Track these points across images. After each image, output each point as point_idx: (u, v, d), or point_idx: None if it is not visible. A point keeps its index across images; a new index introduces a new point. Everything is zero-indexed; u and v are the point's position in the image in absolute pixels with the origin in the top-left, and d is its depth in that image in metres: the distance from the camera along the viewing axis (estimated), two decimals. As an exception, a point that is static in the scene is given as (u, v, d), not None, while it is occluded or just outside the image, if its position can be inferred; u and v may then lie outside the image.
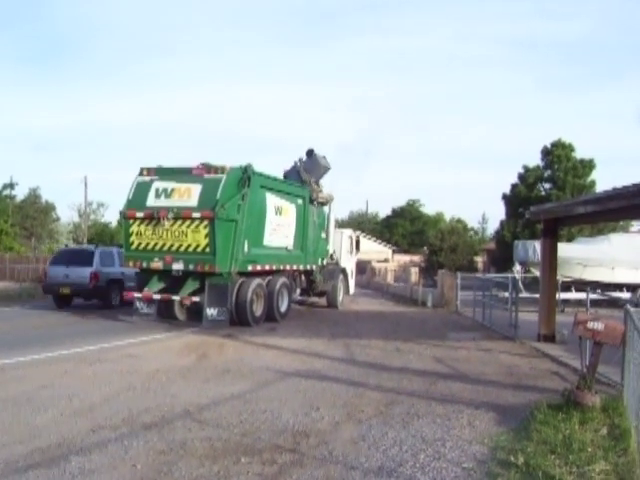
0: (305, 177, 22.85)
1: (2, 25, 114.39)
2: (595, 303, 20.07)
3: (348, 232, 29.16)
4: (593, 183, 42.40)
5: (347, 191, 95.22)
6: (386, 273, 44.94)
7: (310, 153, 23.44)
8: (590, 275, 24.99)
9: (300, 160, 23.47)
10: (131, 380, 10.31)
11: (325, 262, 24.66)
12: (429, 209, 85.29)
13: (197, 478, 5.96)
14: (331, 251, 25.51)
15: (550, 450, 6.72)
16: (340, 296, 25.77)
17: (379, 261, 53.28)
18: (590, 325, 8.63)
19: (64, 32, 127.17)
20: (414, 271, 41.23)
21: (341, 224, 32.43)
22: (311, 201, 22.73)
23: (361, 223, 76.43)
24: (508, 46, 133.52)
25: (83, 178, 57.76)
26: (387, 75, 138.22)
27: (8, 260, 35.59)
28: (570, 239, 33.62)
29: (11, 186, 56.72)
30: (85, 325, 17.87)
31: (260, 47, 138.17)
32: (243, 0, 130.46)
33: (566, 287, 24.63)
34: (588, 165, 43.06)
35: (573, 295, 24.56)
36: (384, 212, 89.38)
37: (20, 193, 64.18)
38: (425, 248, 57.33)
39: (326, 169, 24.08)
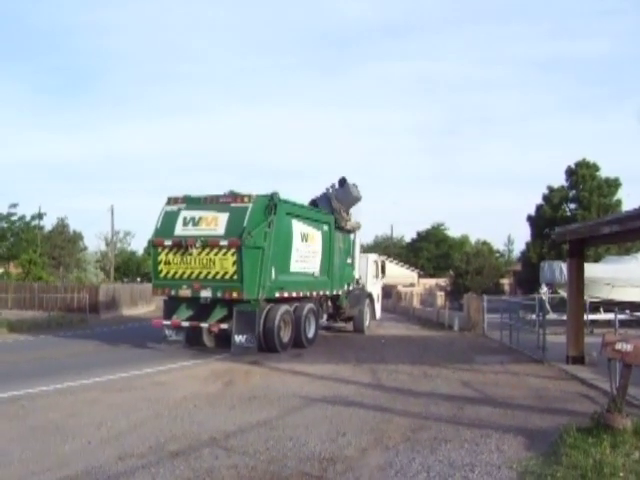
0: (335, 205, 22.97)
1: (24, 57, 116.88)
2: (624, 324, 19.84)
3: (374, 257, 29.12)
4: (619, 202, 42.07)
5: (372, 215, 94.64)
6: (412, 297, 44.71)
7: (342, 182, 23.57)
8: (618, 295, 24.70)
9: (332, 187, 23.64)
10: (158, 408, 10.35)
11: (351, 287, 24.64)
12: (454, 232, 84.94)
13: (224, 506, 5.95)
14: (357, 276, 25.49)
15: (581, 475, 6.62)
16: (366, 321, 25.69)
17: (405, 285, 53.07)
18: (619, 346, 8.51)
19: (86, 63, 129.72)
20: (440, 295, 40.98)
21: (366, 249, 32.45)
22: (339, 229, 22.87)
23: (386, 247, 76.25)
24: (529, 67, 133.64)
25: (110, 207, 58.39)
26: (409, 99, 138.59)
27: (37, 290, 35.93)
28: (597, 259, 33.30)
29: (39, 216, 57.42)
30: (114, 353, 17.98)
31: (281, 73, 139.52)
32: (263, 27, 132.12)
33: (594, 308, 24.40)
34: (613, 184, 42.75)
35: (601, 316, 24.28)
36: (409, 236, 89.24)
37: (48, 223, 64.99)
38: (451, 271, 57.05)
39: (357, 199, 24.18)
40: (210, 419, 9.55)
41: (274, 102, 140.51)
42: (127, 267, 72.82)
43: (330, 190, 23.51)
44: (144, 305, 39.68)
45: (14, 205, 54.32)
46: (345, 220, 23.38)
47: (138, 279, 60.00)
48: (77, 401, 10.91)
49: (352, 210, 24.31)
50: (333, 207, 22.93)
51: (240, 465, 7.18)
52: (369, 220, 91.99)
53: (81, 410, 10.18)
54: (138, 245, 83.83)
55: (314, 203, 23.15)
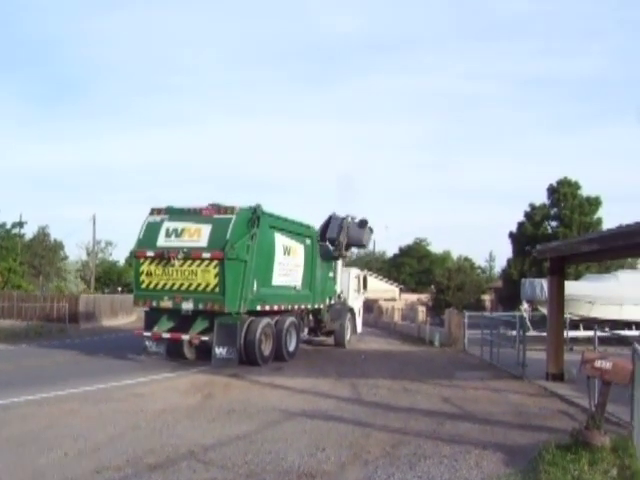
0: (342, 238, 23.84)
1: (10, 66, 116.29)
2: (603, 341, 19.86)
3: (355, 271, 29.14)
4: (600, 220, 42.50)
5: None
6: (393, 312, 44.74)
7: (363, 223, 24.40)
8: (598, 313, 24.87)
9: (351, 220, 24.42)
10: (136, 420, 10.27)
11: (333, 301, 24.65)
12: (436, 247, 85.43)
13: (201, 520, 5.90)
14: (339, 290, 25.50)
15: (559, 492, 6.63)
16: (348, 335, 25.67)
17: (386, 300, 53.10)
18: (598, 364, 8.56)
19: (70, 73, 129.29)
20: (421, 310, 41.06)
21: (348, 263, 32.44)
22: (334, 258, 23.99)
23: (368, 262, 76.37)
24: (514, 84, 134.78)
25: (92, 217, 58.06)
26: (393, 114, 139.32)
27: (16, 298, 35.61)
28: (577, 277, 33.52)
29: (20, 224, 56.89)
30: (93, 364, 17.83)
31: (266, 86, 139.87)
32: (250, 40, 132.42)
33: (574, 325, 24.45)
34: (594, 202, 43.21)
35: (581, 333, 24.37)
36: (391, 251, 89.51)
37: (29, 231, 64.54)
38: (432, 287, 57.22)
39: (363, 245, 24.97)
40: (189, 432, 9.48)
41: (261, 114, 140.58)
42: (108, 277, 72.32)
43: (348, 220, 24.28)
44: (124, 316, 39.42)
45: (-6, 213, 53.85)
46: (340, 253, 24.23)
47: (119, 289, 59.61)
48: (54, 412, 10.79)
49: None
50: (340, 237, 23.80)
51: (218, 479, 7.14)
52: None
53: (58, 421, 10.07)
54: (119, 255, 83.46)
55: (329, 220, 24.07)
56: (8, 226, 55.24)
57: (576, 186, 43.78)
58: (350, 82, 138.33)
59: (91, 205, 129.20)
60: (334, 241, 24.14)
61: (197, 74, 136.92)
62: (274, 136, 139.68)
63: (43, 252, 63.28)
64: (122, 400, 12.07)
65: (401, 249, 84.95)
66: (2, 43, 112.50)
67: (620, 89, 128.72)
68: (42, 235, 65.77)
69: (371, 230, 24.77)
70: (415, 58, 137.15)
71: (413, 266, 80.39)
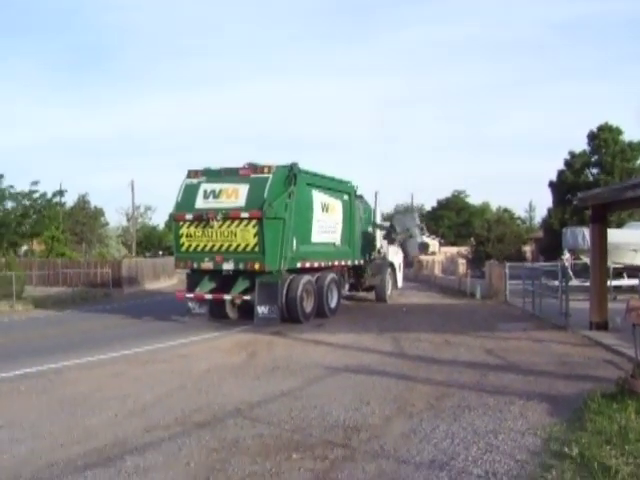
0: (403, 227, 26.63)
1: (46, 32, 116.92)
2: (648, 289, 19.66)
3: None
4: (643, 166, 41.48)
5: (392, 184, 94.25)
6: (433, 265, 44.62)
7: (422, 228, 27.40)
8: (642, 260, 24.46)
9: (421, 220, 27.93)
10: (182, 380, 10.46)
11: (373, 256, 24.67)
12: (475, 199, 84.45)
13: (249, 475, 6.02)
14: (378, 245, 25.49)
15: (605, 440, 6.59)
16: (388, 290, 25.73)
17: (426, 253, 52.86)
18: (643, 312, 8.46)
19: (98, 40, 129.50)
20: (461, 262, 40.87)
21: (386, 217, 32.43)
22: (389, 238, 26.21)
23: (407, 216, 75.89)
24: (551, 29, 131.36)
25: (130, 182, 58.69)
26: (426, 67, 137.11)
27: (60, 266, 36.30)
28: (620, 224, 32.95)
29: (60, 193, 57.43)
30: (139, 327, 18.18)
31: (297, 44, 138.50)
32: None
33: (618, 274, 24.18)
34: (637, 148, 42.17)
35: (625, 282, 24.10)
36: (429, 204, 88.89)
37: (69, 200, 65.33)
38: (472, 239, 56.78)
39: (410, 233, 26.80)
40: (234, 390, 9.63)
41: (292, 73, 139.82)
42: (149, 241, 73.39)
43: (418, 221, 27.43)
44: (166, 279, 39.97)
45: (35, 183, 54.28)
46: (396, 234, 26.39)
47: (160, 253, 60.41)
48: (103, 374, 11.05)
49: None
50: (403, 226, 26.55)
51: (265, 434, 7.25)
52: (389, 189, 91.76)
53: (107, 383, 10.31)
54: (159, 219, 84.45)
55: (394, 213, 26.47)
56: (49, 195, 56.08)
57: (617, 131, 42.67)
58: (382, 37, 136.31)
59: (128, 171, 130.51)
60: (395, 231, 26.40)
61: (225, 35, 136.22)
62: (307, 94, 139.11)
63: (84, 219, 64.17)
64: (167, 361, 12.30)
65: (439, 202, 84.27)
66: (32, 11, 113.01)
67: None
68: (82, 203, 66.61)
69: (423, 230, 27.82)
70: (445, 7, 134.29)
71: (452, 219, 79.76)
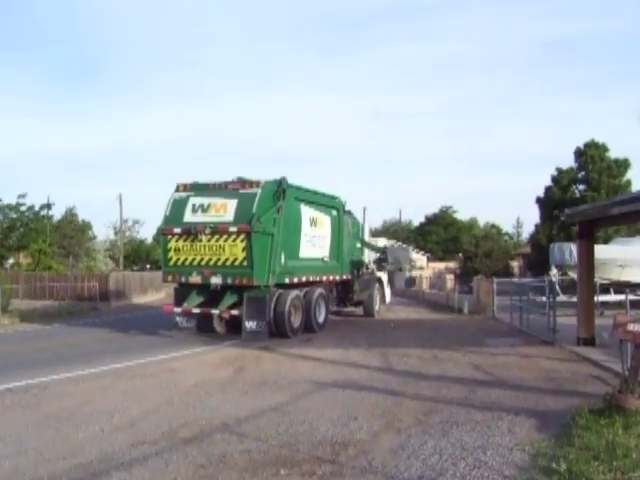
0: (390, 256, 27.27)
1: (38, 45, 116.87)
2: (635, 304, 19.76)
3: (383, 241, 29.18)
4: (629, 183, 41.87)
5: (380, 199, 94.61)
6: (421, 281, 44.70)
7: (414, 265, 28.81)
8: (629, 276, 24.58)
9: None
10: (170, 394, 10.40)
11: (361, 272, 24.68)
12: (463, 215, 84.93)
13: (237, 491, 5.98)
14: (366, 260, 25.51)
15: (593, 456, 6.60)
16: (376, 305, 25.73)
17: (414, 269, 53.00)
18: (630, 327, 8.49)
19: (90, 52, 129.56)
20: (449, 278, 40.94)
21: (375, 233, 32.60)
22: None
23: (395, 231, 76.21)
24: (538, 47, 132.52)
25: (118, 195, 58.47)
26: (417, 81, 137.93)
27: (47, 279, 36.14)
28: (607, 240, 33.16)
29: (48, 206, 57.46)
30: (126, 341, 18.05)
31: (288, 58, 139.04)
32: (270, 11, 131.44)
33: (604, 289, 24.27)
34: (623, 165, 42.52)
35: (612, 297, 24.17)
36: (417, 220, 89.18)
37: (57, 213, 65.07)
38: (460, 254, 57.00)
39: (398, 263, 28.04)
40: (222, 405, 9.59)
41: (281, 87, 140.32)
42: (136, 255, 73.16)
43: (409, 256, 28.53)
44: (154, 293, 39.87)
45: (23, 195, 54.37)
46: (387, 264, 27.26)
47: (147, 267, 60.22)
48: (90, 389, 10.97)
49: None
50: (396, 258, 27.38)
51: (253, 450, 7.21)
52: (377, 205, 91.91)
53: (94, 398, 10.23)
54: (147, 233, 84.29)
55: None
56: (36, 208, 55.88)
57: (604, 148, 43.03)
58: (372, 52, 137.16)
59: (117, 184, 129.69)
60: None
61: (216, 48, 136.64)
62: (296, 108, 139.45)
63: (72, 233, 63.79)
64: (155, 375, 12.22)
65: (427, 217, 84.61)
66: (25, 24, 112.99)
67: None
68: (70, 216, 66.24)
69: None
70: (436, 24, 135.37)
71: (440, 234, 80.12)
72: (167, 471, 6.55)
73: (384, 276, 27.28)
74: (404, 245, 27.79)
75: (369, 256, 25.90)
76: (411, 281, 24.41)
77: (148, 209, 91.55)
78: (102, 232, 78.35)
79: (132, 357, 14.30)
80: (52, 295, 33.72)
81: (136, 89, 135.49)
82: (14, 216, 54.32)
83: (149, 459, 6.94)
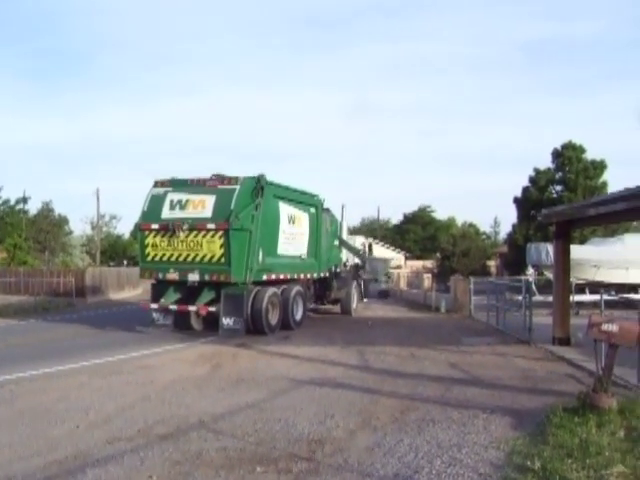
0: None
1: (12, 40, 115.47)
2: (610, 305, 19.90)
3: (361, 239, 29.21)
4: (605, 184, 42.29)
5: (358, 197, 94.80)
6: (399, 279, 44.82)
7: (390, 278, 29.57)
8: (604, 277, 24.82)
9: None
10: (146, 391, 10.35)
11: (339, 269, 24.70)
12: (441, 214, 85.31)
13: (213, 488, 5.97)
14: (344, 259, 25.53)
15: (567, 454, 6.67)
16: (354, 303, 25.73)
17: (392, 267, 53.14)
18: (605, 327, 8.57)
19: (74, 46, 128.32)
20: (427, 277, 41.10)
21: (353, 231, 32.65)
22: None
23: (373, 229, 76.35)
24: (517, 49, 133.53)
25: (95, 191, 58.07)
26: (396, 80, 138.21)
27: (22, 274, 35.78)
28: (583, 241, 33.47)
29: (24, 200, 57.08)
30: (102, 337, 17.92)
31: (270, 54, 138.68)
32: (254, 8, 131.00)
33: (580, 289, 24.49)
34: (599, 166, 42.94)
35: (587, 297, 24.38)
36: (396, 218, 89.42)
37: (33, 207, 64.59)
38: (437, 253, 57.25)
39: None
40: (198, 402, 9.56)
41: (261, 83, 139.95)
42: (113, 251, 72.54)
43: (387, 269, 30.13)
44: (131, 289, 39.58)
45: (-2, 189, 53.90)
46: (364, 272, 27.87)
47: (124, 262, 59.76)
48: (65, 385, 10.88)
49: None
50: (374, 269, 28.62)
51: (229, 447, 7.20)
52: (355, 202, 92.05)
53: (69, 394, 10.15)
54: (124, 228, 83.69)
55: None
56: (12, 202, 55.40)
57: (581, 150, 43.46)
58: (353, 49, 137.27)
59: (94, 179, 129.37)
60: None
61: (197, 44, 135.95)
62: (276, 105, 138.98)
63: (48, 227, 63.33)
64: (131, 372, 12.15)
65: (405, 216, 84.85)
66: (5, 17, 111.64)
67: (624, 51, 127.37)
68: (46, 210, 65.76)
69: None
70: (415, 23, 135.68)
71: (418, 233, 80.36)
72: (143, 468, 6.52)
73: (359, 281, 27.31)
74: (386, 258, 27.79)
75: (347, 256, 25.90)
76: (385, 293, 24.12)
77: (125, 205, 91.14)
78: (79, 227, 78.02)
79: (108, 353, 14.20)
80: (27, 290, 33.41)
81: (113, 83, 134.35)
82: (-11, 210, 53.81)
83: (125, 456, 6.90)
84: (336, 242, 24.55)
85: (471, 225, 73.25)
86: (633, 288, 24.72)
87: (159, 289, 18.38)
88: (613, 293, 19.60)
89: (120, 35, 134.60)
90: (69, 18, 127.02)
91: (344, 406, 9.27)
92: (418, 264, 59.46)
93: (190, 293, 17.79)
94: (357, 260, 26.72)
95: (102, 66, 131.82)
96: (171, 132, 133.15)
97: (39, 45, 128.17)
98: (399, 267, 56.72)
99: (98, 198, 57.80)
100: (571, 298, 18.39)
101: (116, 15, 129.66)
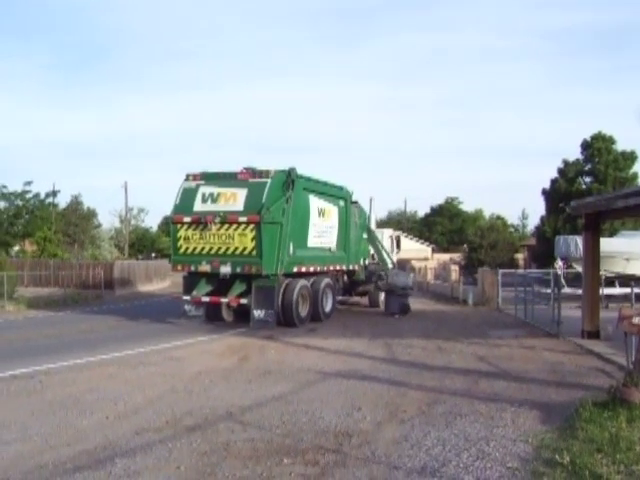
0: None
1: (42, 33, 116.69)
2: (640, 298, 19.73)
3: (388, 232, 29.13)
4: (636, 175, 41.73)
5: (386, 190, 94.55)
6: (426, 271, 44.68)
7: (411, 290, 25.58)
8: (634, 269, 24.53)
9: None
10: (174, 383, 10.43)
11: (367, 262, 24.69)
12: (468, 206, 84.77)
13: (240, 479, 5.99)
14: (372, 251, 25.49)
15: (596, 449, 6.60)
16: (382, 296, 25.67)
17: (419, 260, 52.96)
18: (635, 320, 8.49)
19: (100, 40, 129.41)
20: (454, 269, 40.92)
21: (380, 224, 32.53)
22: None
23: (400, 222, 76.12)
24: (545, 38, 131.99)
25: (123, 184, 58.60)
26: (424, 72, 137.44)
27: (53, 267, 36.22)
28: (613, 233, 33.07)
29: (54, 194, 57.59)
30: (133, 329, 18.15)
31: (297, 48, 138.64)
32: (277, 1, 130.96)
33: (610, 282, 24.26)
34: (630, 157, 42.31)
35: (617, 290, 24.16)
36: (423, 210, 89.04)
37: (62, 201, 65.25)
38: (465, 246, 56.91)
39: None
40: (226, 394, 9.61)
41: (291, 77, 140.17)
42: (141, 243, 73.22)
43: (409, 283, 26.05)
44: (159, 281, 39.94)
45: (28, 183, 54.53)
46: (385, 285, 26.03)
47: (152, 255, 60.32)
48: (94, 376, 11.00)
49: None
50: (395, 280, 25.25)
51: (256, 439, 7.23)
52: (383, 195, 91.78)
53: (98, 385, 10.27)
54: (152, 221, 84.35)
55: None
56: (42, 196, 55.97)
57: (611, 141, 42.84)
58: (379, 41, 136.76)
59: (122, 172, 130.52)
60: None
61: (225, 37, 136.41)
62: (304, 98, 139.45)
63: (77, 220, 64.00)
64: (159, 364, 12.25)
65: (433, 208, 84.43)
66: (29, 10, 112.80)
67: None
68: (75, 204, 66.45)
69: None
70: (443, 14, 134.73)
71: (445, 225, 79.93)
72: (171, 459, 6.57)
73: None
74: (409, 273, 26.85)
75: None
76: (405, 307, 23.19)
77: (153, 198, 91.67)
78: (107, 220, 78.82)
79: (138, 345, 14.36)
80: (57, 283, 33.81)
81: (142, 78, 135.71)
82: (20, 203, 54.44)
83: (153, 447, 6.96)
84: (365, 235, 24.53)
85: (499, 217, 72.64)
86: (664, 281, 24.37)
87: (191, 281, 18.56)
88: (644, 286, 19.39)
89: (147, 30, 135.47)
90: (89, 12, 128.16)
91: (371, 398, 9.26)
92: (445, 257, 59.15)
93: (221, 285, 17.97)
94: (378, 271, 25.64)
95: (124, 61, 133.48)
96: (199, 126, 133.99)
97: (69, 39, 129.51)
98: (426, 259, 56.53)
99: (126, 191, 58.38)
100: (601, 291, 18.19)
101: (139, 9, 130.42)
